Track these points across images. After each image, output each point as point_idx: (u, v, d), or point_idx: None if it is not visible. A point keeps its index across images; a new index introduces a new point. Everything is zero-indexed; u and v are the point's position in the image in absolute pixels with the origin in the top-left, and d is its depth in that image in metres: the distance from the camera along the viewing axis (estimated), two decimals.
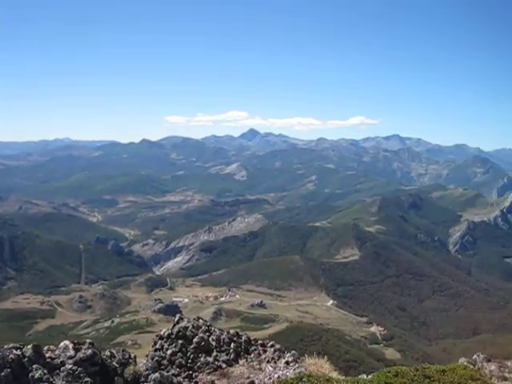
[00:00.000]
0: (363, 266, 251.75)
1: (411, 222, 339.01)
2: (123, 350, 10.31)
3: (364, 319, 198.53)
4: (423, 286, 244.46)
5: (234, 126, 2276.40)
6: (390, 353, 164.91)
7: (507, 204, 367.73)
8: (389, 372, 8.16)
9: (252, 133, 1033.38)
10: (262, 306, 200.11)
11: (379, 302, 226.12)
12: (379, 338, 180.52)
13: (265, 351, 10.99)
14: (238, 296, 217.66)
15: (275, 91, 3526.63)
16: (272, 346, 11.19)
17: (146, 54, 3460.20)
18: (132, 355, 10.36)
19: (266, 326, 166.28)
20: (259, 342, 11.44)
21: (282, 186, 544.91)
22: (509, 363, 8.69)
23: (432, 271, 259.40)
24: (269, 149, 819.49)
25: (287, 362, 10.14)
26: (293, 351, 10.76)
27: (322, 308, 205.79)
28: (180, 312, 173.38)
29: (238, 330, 12.22)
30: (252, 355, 10.85)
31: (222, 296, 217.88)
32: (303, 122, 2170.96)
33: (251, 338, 11.46)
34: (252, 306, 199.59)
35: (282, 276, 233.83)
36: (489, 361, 8.83)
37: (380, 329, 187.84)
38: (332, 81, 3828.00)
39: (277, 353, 10.79)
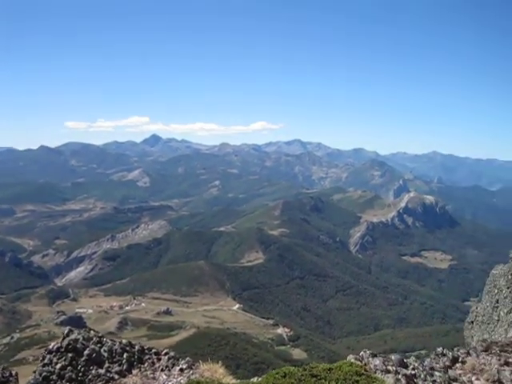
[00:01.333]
0: (268, 269, 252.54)
1: (313, 224, 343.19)
2: (3, 368, 10.50)
3: (270, 321, 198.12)
4: (326, 286, 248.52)
5: (136, 132, 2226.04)
6: (297, 353, 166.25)
7: (403, 205, 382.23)
8: (277, 373, 8.28)
9: (154, 138, 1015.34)
10: (168, 313, 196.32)
11: (285, 304, 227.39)
12: (286, 339, 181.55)
13: (159, 359, 10.88)
14: (143, 304, 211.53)
15: (177, 96, 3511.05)
16: (166, 353, 11.06)
17: (43, 57, 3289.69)
18: (13, 373, 10.60)
19: (173, 333, 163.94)
20: (153, 350, 11.29)
21: (186, 192, 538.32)
22: (392, 357, 8.94)
23: (334, 271, 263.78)
24: (172, 154, 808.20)
25: (181, 370, 10.12)
26: (187, 358, 10.60)
27: (228, 312, 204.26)
28: (84, 323, 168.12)
29: (139, 340, 13.63)
30: (146, 364, 10.80)
31: (127, 305, 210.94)
32: (206, 128, 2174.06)
33: (145, 347, 11.19)
34: (158, 313, 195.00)
35: (188, 282, 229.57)
36: (374, 356, 9.01)
37: (286, 330, 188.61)
38: (233, 86, 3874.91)
39: (171, 360, 10.72)
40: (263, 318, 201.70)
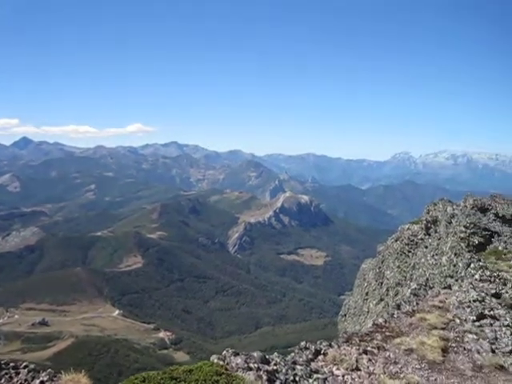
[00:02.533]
0: (147, 273, 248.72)
1: (192, 226, 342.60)
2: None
3: (151, 326, 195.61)
4: (207, 288, 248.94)
5: (5, 134, 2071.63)
6: (180, 356, 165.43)
7: (279, 205, 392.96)
8: (136, 378, 8.16)
9: (25, 141, 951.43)
10: (44, 323, 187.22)
11: (165, 308, 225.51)
12: (168, 342, 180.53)
13: (17, 374, 9.76)
14: (16, 316, 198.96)
15: (49, 98, 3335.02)
16: (26, 366, 9.96)
17: None
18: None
19: (50, 344, 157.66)
20: (11, 364, 10.07)
21: (60, 197, 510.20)
22: (255, 354, 9.04)
23: (214, 272, 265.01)
24: (44, 158, 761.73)
25: (42, 382, 9.32)
26: (49, 369, 9.66)
27: (108, 319, 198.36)
28: None
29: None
30: (3, 380, 9.70)
31: None
32: (80, 130, 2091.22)
33: (2, 362, 9.90)
34: (33, 324, 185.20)
35: (65, 290, 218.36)
36: (236, 354, 9.11)
37: (168, 334, 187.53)
38: (107, 88, 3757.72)
39: (31, 373, 9.69)
40: (144, 322, 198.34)
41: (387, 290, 29.56)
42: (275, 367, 8.61)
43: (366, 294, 35.40)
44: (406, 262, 28.63)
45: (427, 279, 21.29)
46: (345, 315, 40.88)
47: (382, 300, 30.96)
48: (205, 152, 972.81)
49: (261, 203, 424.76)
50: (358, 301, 38.30)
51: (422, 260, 25.37)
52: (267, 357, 8.98)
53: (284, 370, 8.58)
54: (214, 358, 9.26)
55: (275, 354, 9.54)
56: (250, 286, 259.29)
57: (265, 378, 8.06)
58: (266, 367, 8.46)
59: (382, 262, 33.04)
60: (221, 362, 8.92)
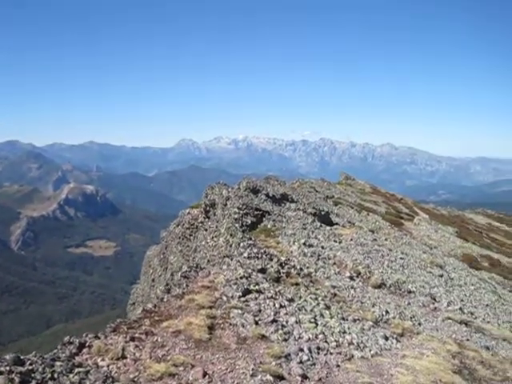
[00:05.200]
0: None
1: None
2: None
3: None
4: None
5: None
6: None
7: (63, 196, 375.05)
8: None
9: None
10: None
11: None
12: None
13: None
14: None
15: None
16: None
17: None
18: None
19: None
20: None
21: None
22: (7, 356, 8.21)
23: None
24: None
25: None
26: None
27: None
28: None
29: None
30: None
31: None
32: None
33: None
34: None
35: None
36: None
37: None
38: None
39: None
40: None
41: (172, 274, 30.06)
42: (31, 367, 8.07)
43: (153, 280, 35.64)
44: (188, 246, 29.36)
45: (208, 261, 22.09)
46: (133, 303, 40.70)
47: (167, 285, 31.41)
48: None
49: (44, 196, 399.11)
50: (145, 288, 38.40)
51: (203, 243, 26.21)
52: (22, 357, 8.37)
53: (41, 369, 8.07)
54: None
55: (33, 353, 8.91)
56: (37, 284, 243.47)
57: (17, 380, 7.54)
58: (20, 368, 7.89)
59: (166, 248, 33.50)
60: None
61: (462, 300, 20.69)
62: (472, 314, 19.07)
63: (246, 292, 13.17)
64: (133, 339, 10.02)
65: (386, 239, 28.44)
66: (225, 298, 12.56)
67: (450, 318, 17.00)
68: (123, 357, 9.28)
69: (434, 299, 19.06)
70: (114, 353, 9.28)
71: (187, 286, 13.62)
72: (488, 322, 18.76)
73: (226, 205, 25.83)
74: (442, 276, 24.08)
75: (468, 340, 15.41)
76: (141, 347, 9.80)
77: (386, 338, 13.56)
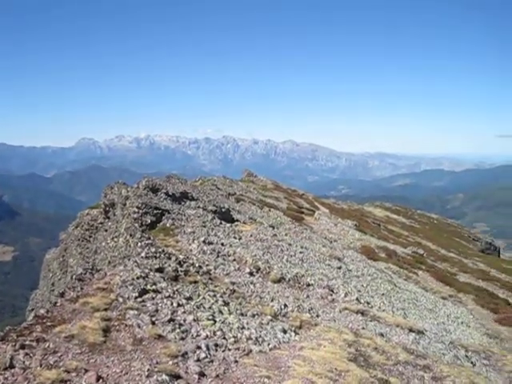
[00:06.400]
0: None
1: None
2: None
3: None
4: None
5: None
6: None
7: None
8: None
9: None
10: None
11: None
12: None
13: None
14: None
15: None
16: None
17: None
18: None
19: None
20: None
21: None
22: None
23: None
24: None
25: None
26: None
27: None
28: None
29: None
30: None
31: None
32: None
33: None
34: None
35: None
36: None
37: None
38: None
39: None
40: None
41: (72, 278, 29.24)
42: None
43: (52, 284, 34.47)
44: (88, 248, 28.73)
45: (109, 262, 21.74)
46: (32, 310, 39.12)
47: (69, 288, 30.49)
48: None
49: None
50: (44, 293, 37.05)
51: (103, 244, 25.75)
52: None
53: None
54: None
55: None
56: None
57: None
58: None
59: (66, 250, 32.52)
60: None
61: (359, 290, 21.84)
62: (368, 303, 20.19)
63: (143, 292, 13.15)
64: (23, 347, 9.69)
65: (286, 234, 29.34)
66: (121, 300, 12.46)
67: (346, 309, 17.89)
68: (11, 366, 8.98)
69: (332, 291, 19.92)
70: (2, 363, 8.95)
71: (82, 288, 13.38)
72: (383, 311, 19.95)
73: (125, 204, 25.52)
74: (340, 268, 25.26)
75: (363, 328, 16.30)
76: (31, 355, 9.48)
77: (285, 332, 14.00)
